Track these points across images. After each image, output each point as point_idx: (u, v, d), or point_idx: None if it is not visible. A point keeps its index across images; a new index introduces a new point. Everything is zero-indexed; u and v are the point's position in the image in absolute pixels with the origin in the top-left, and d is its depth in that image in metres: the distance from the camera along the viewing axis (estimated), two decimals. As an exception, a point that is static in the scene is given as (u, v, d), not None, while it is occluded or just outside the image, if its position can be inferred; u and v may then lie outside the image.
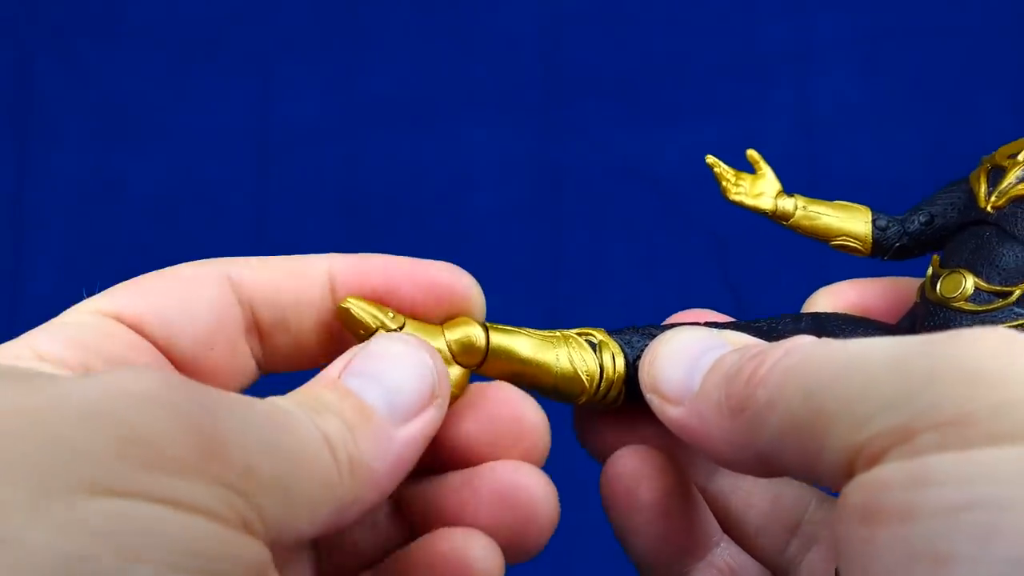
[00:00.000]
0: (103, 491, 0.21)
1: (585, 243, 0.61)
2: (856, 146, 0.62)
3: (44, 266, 0.63)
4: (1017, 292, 0.30)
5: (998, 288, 0.30)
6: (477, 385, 0.30)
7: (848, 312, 0.33)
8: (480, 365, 0.30)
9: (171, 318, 0.28)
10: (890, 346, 0.25)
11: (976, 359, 0.24)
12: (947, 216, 0.32)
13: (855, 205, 0.33)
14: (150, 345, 0.27)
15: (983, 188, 0.31)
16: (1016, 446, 0.23)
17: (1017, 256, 0.30)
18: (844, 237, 0.32)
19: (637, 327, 0.32)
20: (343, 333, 0.29)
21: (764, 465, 0.27)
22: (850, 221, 0.32)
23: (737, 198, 0.33)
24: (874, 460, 0.24)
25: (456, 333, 0.30)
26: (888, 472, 0.24)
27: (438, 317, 0.30)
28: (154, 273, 0.29)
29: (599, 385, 0.31)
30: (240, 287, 0.29)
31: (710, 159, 0.32)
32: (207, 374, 0.28)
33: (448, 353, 0.29)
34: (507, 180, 0.63)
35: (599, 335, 0.32)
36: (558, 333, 0.31)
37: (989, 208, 0.30)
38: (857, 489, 0.25)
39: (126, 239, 0.63)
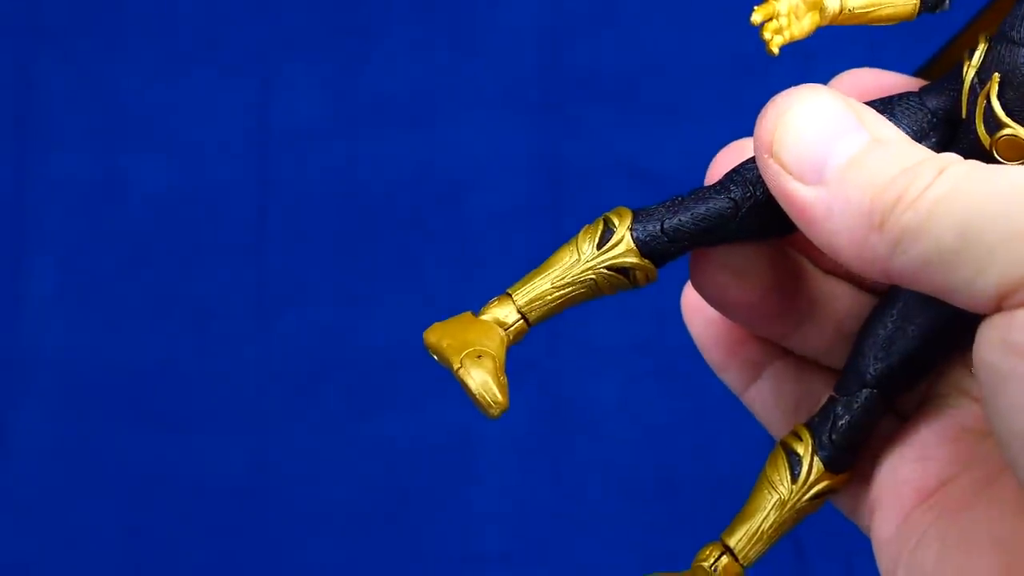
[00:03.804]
0: None
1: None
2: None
3: (44, 266, 0.63)
4: None
5: None
6: None
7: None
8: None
9: None
10: None
11: None
12: None
13: None
14: None
15: None
16: None
17: None
18: (890, 21, 0.30)
19: (662, 218, 0.30)
20: None
21: (887, 277, 0.27)
22: (896, 6, 0.30)
23: (790, 36, 0.30)
24: None
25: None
26: None
27: None
28: None
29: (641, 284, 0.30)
30: None
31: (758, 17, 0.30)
32: None
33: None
34: (507, 180, 0.63)
35: (631, 258, 0.30)
36: (588, 274, 0.30)
37: None
38: (1014, 326, 0.24)
39: (126, 239, 0.63)
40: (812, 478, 0.31)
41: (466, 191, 0.63)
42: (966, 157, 0.28)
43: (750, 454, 0.56)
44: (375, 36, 0.65)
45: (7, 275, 0.62)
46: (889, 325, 0.30)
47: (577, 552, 0.59)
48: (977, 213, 0.25)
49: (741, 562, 0.31)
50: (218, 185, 0.63)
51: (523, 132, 0.64)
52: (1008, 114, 0.28)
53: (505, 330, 0.30)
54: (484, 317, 0.30)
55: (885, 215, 0.26)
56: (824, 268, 0.33)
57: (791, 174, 0.27)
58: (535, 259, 0.64)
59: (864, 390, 0.31)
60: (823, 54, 0.65)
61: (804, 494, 0.31)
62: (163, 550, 0.60)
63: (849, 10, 0.29)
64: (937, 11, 0.30)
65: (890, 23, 0.30)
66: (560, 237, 0.63)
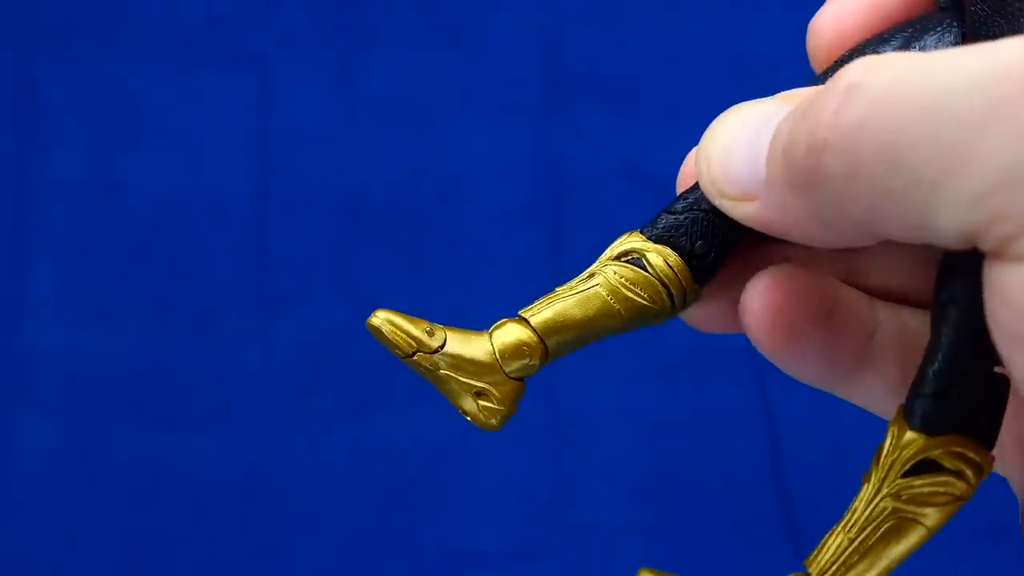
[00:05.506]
0: None
1: (585, 243, 0.61)
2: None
3: (44, 266, 0.63)
4: None
5: None
6: None
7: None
8: (543, 363, 0.27)
9: None
10: (987, 75, 0.19)
11: None
12: None
13: None
14: None
15: None
16: None
17: None
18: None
19: (669, 209, 0.28)
20: None
21: (869, 236, 0.22)
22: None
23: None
24: (1005, 247, 0.19)
25: (507, 336, 0.27)
26: None
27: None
28: None
29: (672, 297, 0.27)
30: None
31: None
32: None
33: (499, 363, 0.27)
34: (507, 180, 0.63)
35: (636, 242, 0.27)
36: (593, 272, 0.28)
37: None
38: (1010, 287, 0.20)
39: (126, 239, 0.63)
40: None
41: (466, 191, 0.63)
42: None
43: (749, 455, 0.56)
44: (375, 36, 0.65)
45: (7, 275, 0.62)
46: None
47: (577, 552, 0.59)
48: (906, 139, 0.20)
49: None
50: (218, 185, 0.63)
51: (523, 133, 0.64)
52: None
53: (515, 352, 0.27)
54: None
55: (807, 173, 0.22)
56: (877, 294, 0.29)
57: (736, 200, 0.26)
58: (535, 259, 0.65)
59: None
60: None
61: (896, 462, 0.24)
62: (163, 550, 0.60)
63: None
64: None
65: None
66: (560, 238, 0.63)
